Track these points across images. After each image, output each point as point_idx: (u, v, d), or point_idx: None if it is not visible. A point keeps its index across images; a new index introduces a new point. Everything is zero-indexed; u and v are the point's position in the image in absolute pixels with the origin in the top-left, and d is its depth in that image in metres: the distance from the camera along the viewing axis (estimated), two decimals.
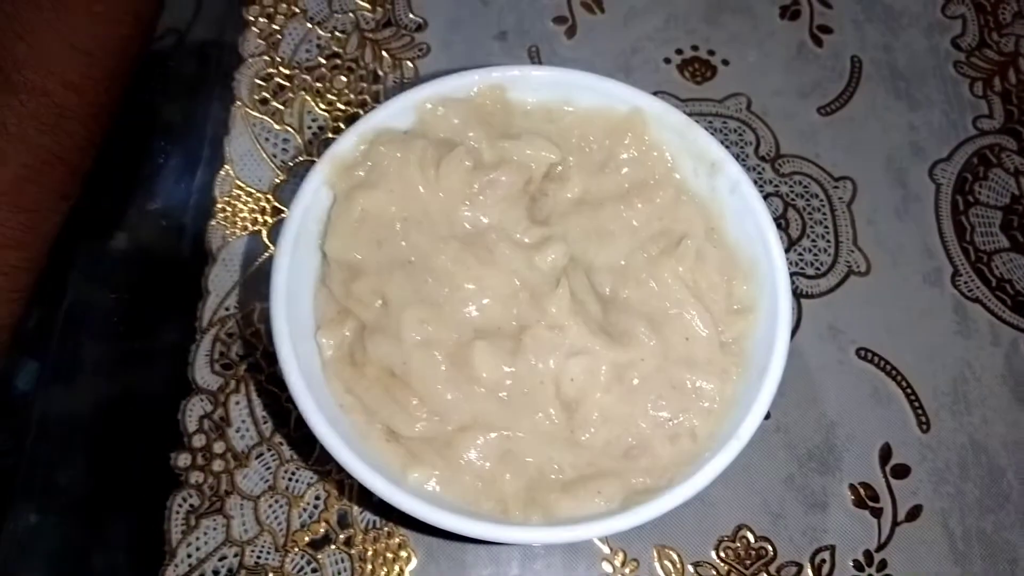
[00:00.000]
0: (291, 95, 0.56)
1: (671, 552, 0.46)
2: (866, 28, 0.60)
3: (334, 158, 0.42)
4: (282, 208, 0.52)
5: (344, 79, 0.56)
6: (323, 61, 0.57)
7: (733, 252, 0.44)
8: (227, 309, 0.50)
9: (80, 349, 0.50)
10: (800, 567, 0.46)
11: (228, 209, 0.52)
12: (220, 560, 0.45)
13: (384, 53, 0.57)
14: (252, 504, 0.46)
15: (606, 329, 0.41)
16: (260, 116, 0.55)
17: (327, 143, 0.52)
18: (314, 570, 0.45)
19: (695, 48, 0.59)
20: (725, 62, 0.59)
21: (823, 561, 0.46)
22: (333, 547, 0.45)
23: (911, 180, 0.56)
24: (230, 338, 0.49)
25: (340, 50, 0.57)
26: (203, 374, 0.48)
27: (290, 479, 0.46)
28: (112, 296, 0.51)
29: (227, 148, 0.54)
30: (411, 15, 0.59)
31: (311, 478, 0.46)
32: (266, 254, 0.51)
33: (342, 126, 0.55)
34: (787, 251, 0.53)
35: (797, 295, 0.52)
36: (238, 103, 0.55)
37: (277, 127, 0.55)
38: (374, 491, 0.36)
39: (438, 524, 0.36)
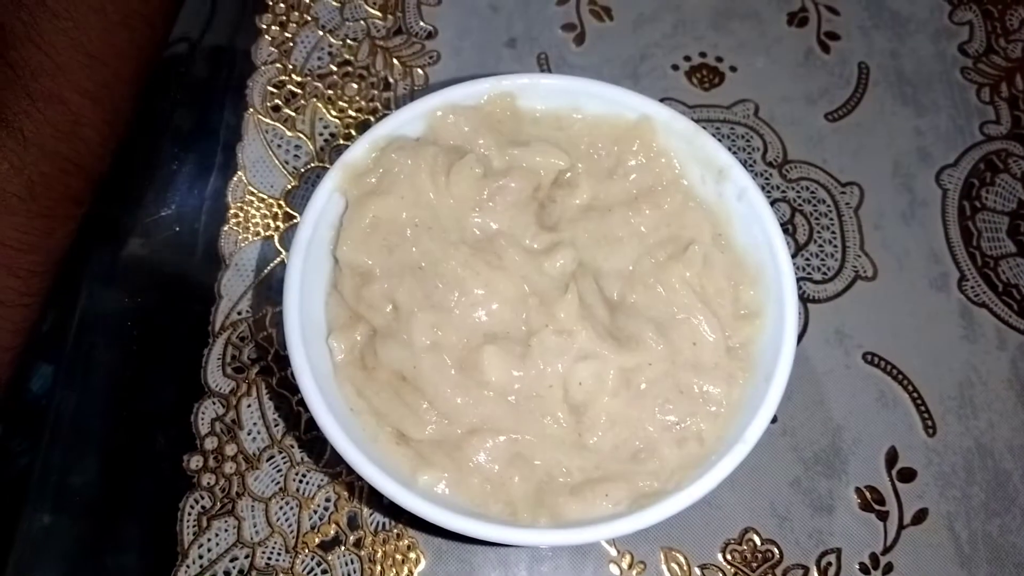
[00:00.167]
0: (303, 102, 0.56)
1: (678, 554, 0.46)
2: (873, 34, 0.61)
3: (346, 165, 0.43)
4: (294, 214, 0.53)
5: (355, 86, 0.57)
6: (335, 68, 0.57)
7: (740, 257, 0.44)
8: (239, 313, 0.50)
9: (94, 352, 0.50)
10: (806, 570, 0.46)
11: (241, 215, 0.53)
12: (231, 561, 0.45)
13: (395, 61, 0.58)
14: (263, 506, 0.46)
15: (614, 334, 0.41)
16: (272, 123, 0.55)
17: (339, 150, 0.52)
18: (324, 571, 0.45)
19: (703, 55, 0.59)
20: (733, 68, 0.59)
21: (829, 564, 0.46)
22: (343, 549, 0.46)
23: (918, 185, 0.56)
24: (242, 342, 0.50)
25: (352, 58, 0.58)
26: (215, 377, 0.49)
27: (301, 481, 0.47)
28: (126, 300, 0.51)
29: (240, 154, 0.54)
30: (422, 23, 0.59)
31: (322, 480, 0.47)
32: (278, 259, 0.52)
33: (353, 133, 0.55)
34: (794, 256, 0.53)
35: (804, 300, 0.52)
36: (251, 110, 0.56)
37: (289, 134, 0.55)
38: (384, 493, 0.37)
39: (447, 526, 0.36)
